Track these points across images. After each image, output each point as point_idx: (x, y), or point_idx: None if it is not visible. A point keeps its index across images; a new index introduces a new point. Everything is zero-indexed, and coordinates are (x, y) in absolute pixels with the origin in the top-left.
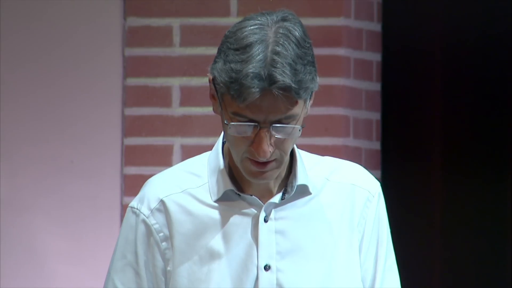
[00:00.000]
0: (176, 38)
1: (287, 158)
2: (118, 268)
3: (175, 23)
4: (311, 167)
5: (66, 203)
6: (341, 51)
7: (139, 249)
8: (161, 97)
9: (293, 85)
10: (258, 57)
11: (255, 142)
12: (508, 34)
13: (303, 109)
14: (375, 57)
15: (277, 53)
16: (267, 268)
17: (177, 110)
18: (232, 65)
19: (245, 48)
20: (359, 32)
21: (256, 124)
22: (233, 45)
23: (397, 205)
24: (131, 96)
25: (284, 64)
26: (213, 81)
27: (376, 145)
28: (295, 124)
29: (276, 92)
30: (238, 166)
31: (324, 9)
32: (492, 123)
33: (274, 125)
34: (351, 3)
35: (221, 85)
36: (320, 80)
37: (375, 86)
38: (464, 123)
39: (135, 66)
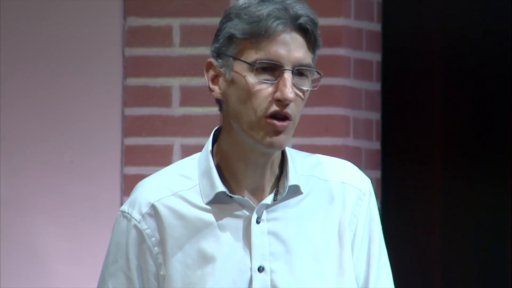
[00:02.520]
0: (176, 38)
1: (297, 122)
2: (111, 272)
3: (175, 23)
4: (301, 165)
5: (66, 203)
6: (341, 51)
7: (130, 254)
8: (161, 97)
9: (314, 24)
10: (276, 4)
11: (279, 85)
12: (508, 34)
13: (311, 72)
14: (375, 57)
15: (295, 1)
16: (261, 269)
17: (177, 110)
18: (251, 13)
19: (259, 3)
20: (359, 32)
21: (280, 65)
22: (244, 4)
23: (397, 205)
24: (131, 96)
25: (304, 7)
26: (218, 56)
27: (376, 145)
28: (310, 83)
29: (303, 23)
30: (249, 133)
31: (324, 9)
32: (492, 123)
33: (296, 68)
34: (351, 3)
35: (240, 37)
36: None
37: (375, 86)
38: (464, 123)
39: (135, 66)
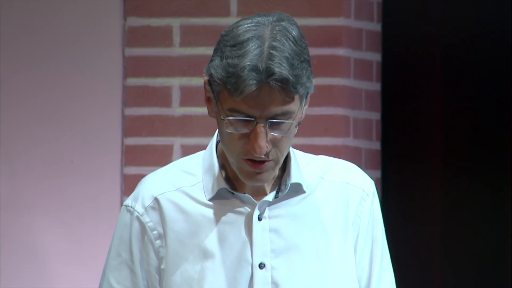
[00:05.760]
0: (176, 38)
1: (282, 159)
2: (113, 266)
3: (175, 23)
4: (305, 165)
5: (66, 203)
6: (341, 51)
7: (133, 247)
8: (161, 97)
9: (290, 77)
10: (255, 51)
11: (251, 138)
12: (508, 34)
13: (299, 108)
14: (375, 57)
15: (274, 48)
16: (261, 266)
17: (177, 110)
18: (229, 60)
19: (242, 43)
20: (359, 32)
21: (253, 119)
22: (229, 42)
23: (397, 205)
24: (131, 96)
25: (281, 58)
26: (209, 81)
27: (376, 145)
28: (292, 123)
29: (273, 85)
30: (233, 168)
31: (324, 9)
32: (492, 123)
33: (270, 120)
34: (351, 3)
35: (218, 81)
36: (320, 80)
37: (375, 86)
38: (464, 123)
39: (135, 66)
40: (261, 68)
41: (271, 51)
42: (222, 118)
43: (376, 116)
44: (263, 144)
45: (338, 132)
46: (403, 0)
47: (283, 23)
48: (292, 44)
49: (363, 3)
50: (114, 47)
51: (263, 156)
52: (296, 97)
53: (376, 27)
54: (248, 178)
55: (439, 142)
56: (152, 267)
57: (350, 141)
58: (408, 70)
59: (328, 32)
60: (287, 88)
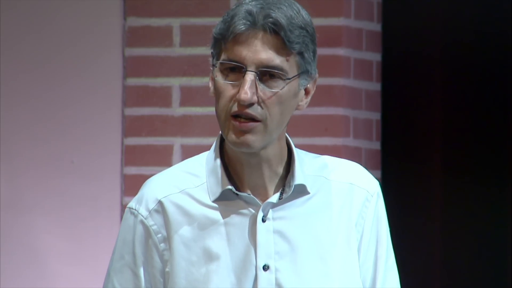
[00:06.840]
0: (176, 38)
1: (272, 124)
2: (116, 268)
3: (175, 23)
4: (309, 165)
5: (66, 203)
6: (341, 51)
7: (137, 250)
8: (161, 97)
9: (286, 26)
10: (253, 2)
11: (239, 88)
12: (508, 34)
13: (297, 79)
14: (375, 57)
15: (277, 7)
16: (265, 268)
17: (177, 110)
18: (229, 11)
19: (242, 3)
20: (359, 32)
21: (243, 67)
22: (237, 3)
23: (397, 205)
24: (131, 96)
25: (282, 15)
26: (212, 53)
27: (376, 145)
28: (284, 85)
29: (267, 28)
30: (223, 135)
31: (324, 9)
32: (492, 123)
33: (260, 69)
34: (351, 3)
35: (216, 36)
36: (320, 80)
37: (375, 86)
38: (464, 123)
39: (135, 66)
40: (256, 12)
41: (276, 3)
42: (214, 65)
43: (376, 116)
44: (250, 91)
45: (338, 132)
46: (403, 0)
47: (296, 2)
48: (296, 12)
49: (363, 3)
50: (114, 47)
51: (249, 112)
52: (292, 58)
53: (376, 27)
54: (234, 138)
55: (439, 142)
56: (156, 270)
57: (350, 141)
58: (408, 70)
59: (328, 32)
60: (281, 37)
